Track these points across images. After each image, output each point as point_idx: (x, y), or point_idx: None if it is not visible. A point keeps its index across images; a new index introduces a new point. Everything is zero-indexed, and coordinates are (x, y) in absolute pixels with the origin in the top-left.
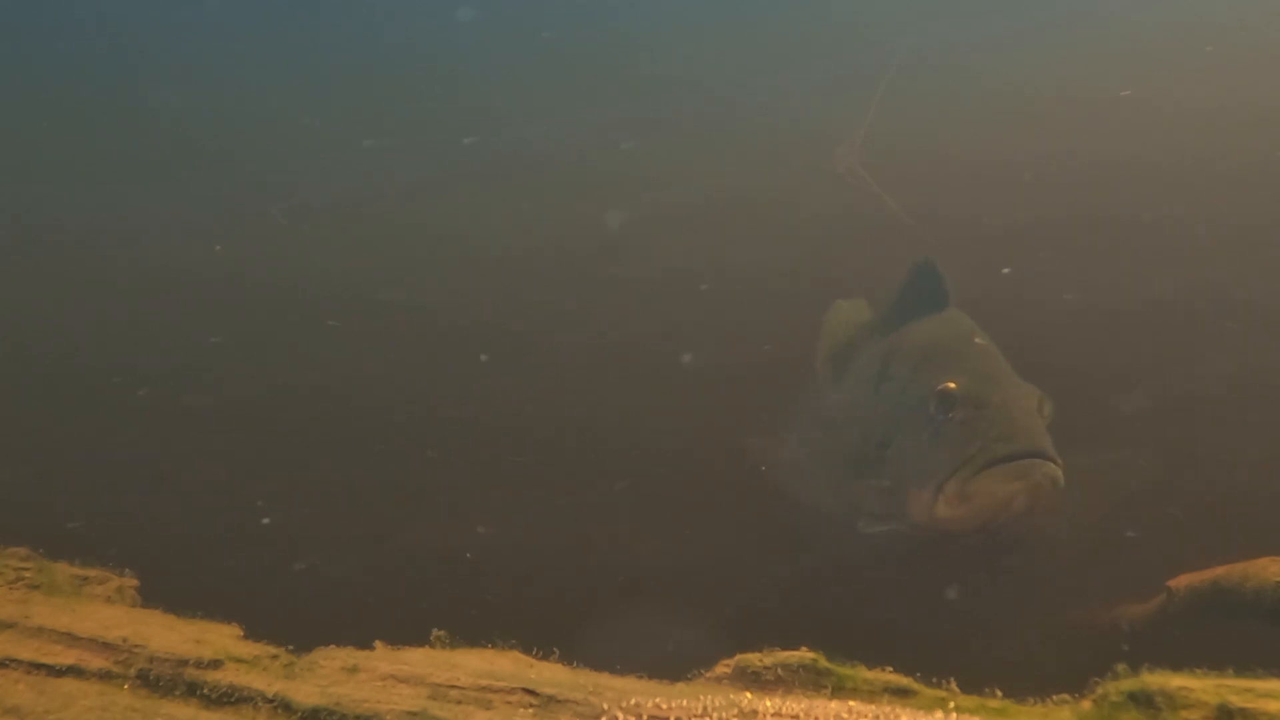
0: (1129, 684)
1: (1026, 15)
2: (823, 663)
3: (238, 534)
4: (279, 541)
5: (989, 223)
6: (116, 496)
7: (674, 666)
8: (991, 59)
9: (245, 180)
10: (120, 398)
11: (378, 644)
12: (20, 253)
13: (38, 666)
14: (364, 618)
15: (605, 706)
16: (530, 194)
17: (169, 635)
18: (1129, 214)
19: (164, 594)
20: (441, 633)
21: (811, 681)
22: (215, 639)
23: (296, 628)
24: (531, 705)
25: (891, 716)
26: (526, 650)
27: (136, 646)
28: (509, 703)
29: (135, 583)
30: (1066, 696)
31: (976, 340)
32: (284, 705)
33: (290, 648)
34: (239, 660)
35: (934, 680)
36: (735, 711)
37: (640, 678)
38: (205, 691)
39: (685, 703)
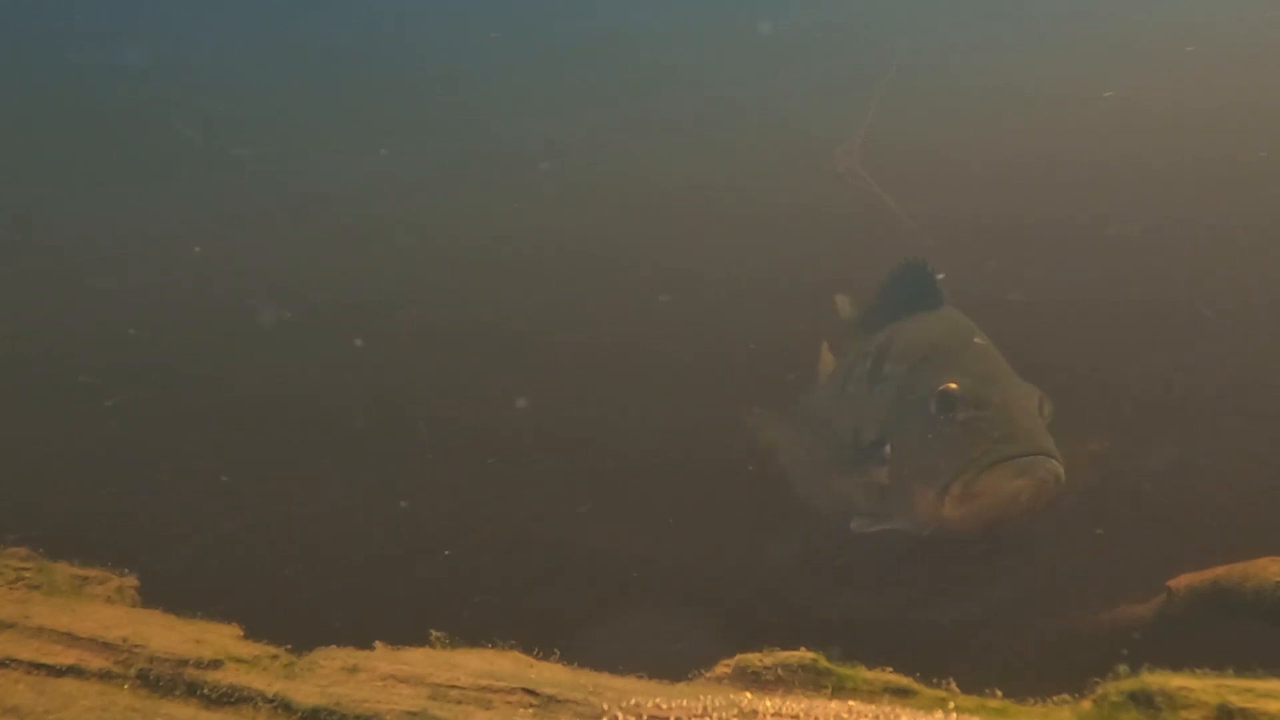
0: (1129, 684)
1: (1010, 16)
2: (823, 663)
3: (239, 534)
4: (282, 542)
5: (981, 221)
6: (117, 496)
7: (674, 666)
8: (978, 60)
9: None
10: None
11: (378, 644)
12: (19, 253)
13: (38, 666)
14: (377, 617)
15: (605, 706)
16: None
17: (169, 635)
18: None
19: (164, 594)
20: (441, 633)
21: (811, 681)
22: (215, 639)
23: (297, 628)
24: (531, 705)
25: (891, 716)
26: (526, 650)
27: (136, 646)
28: (509, 703)
29: (135, 583)
30: (1066, 696)
31: (976, 340)
32: (284, 705)
33: (290, 647)
34: (239, 660)
35: (934, 680)
36: (735, 711)
37: (640, 678)
38: (205, 691)
39: (685, 703)
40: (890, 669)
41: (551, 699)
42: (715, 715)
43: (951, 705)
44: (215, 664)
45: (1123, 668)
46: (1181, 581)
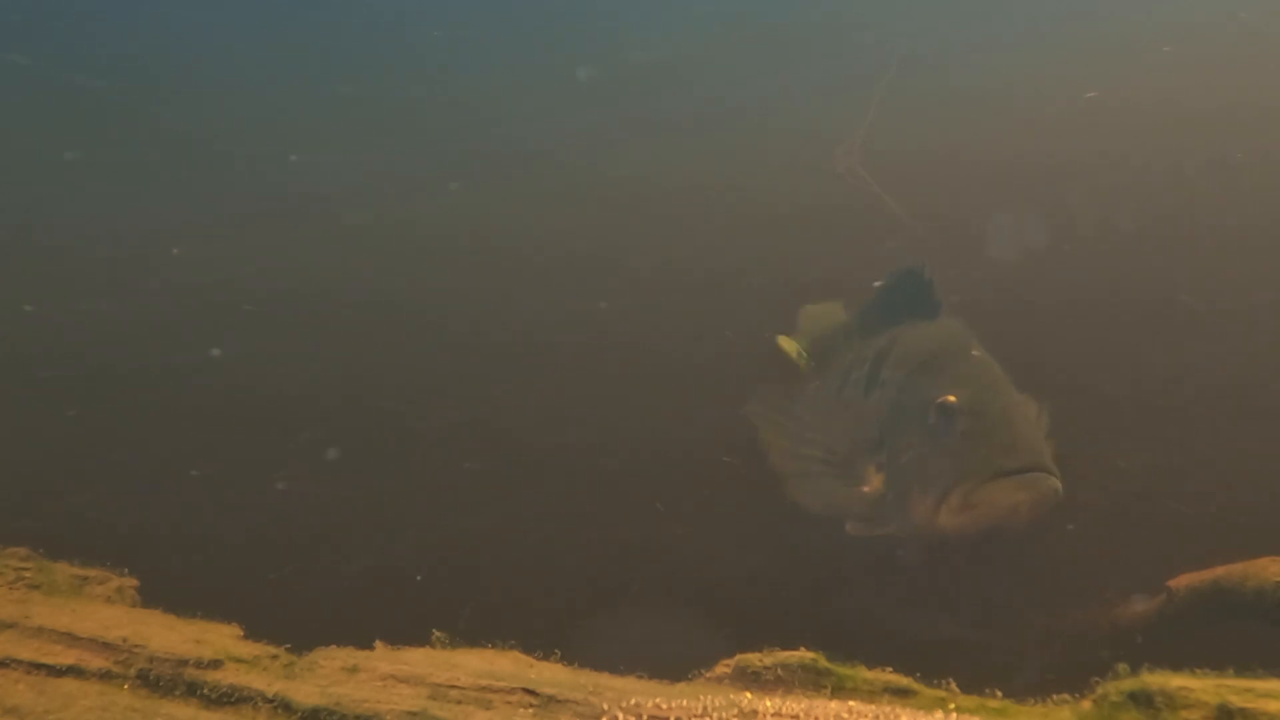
0: (1129, 684)
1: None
2: (823, 663)
3: (239, 534)
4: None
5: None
6: (117, 496)
7: (674, 666)
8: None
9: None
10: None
11: (378, 644)
12: (19, 253)
13: (38, 666)
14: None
15: (605, 706)
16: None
17: (169, 635)
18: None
19: (164, 594)
20: (442, 633)
21: (811, 681)
22: (215, 639)
23: (297, 628)
24: (531, 705)
25: (891, 716)
26: (527, 650)
27: (136, 646)
28: (509, 703)
29: (135, 583)
30: (1066, 696)
31: (974, 352)
32: (284, 705)
33: (290, 647)
34: (239, 660)
35: (934, 680)
36: (735, 711)
37: (640, 678)
38: (205, 691)
39: (685, 703)
40: (890, 669)
41: (551, 699)
42: (715, 715)
43: (951, 705)
44: (215, 664)
45: (1123, 667)
46: (1181, 581)
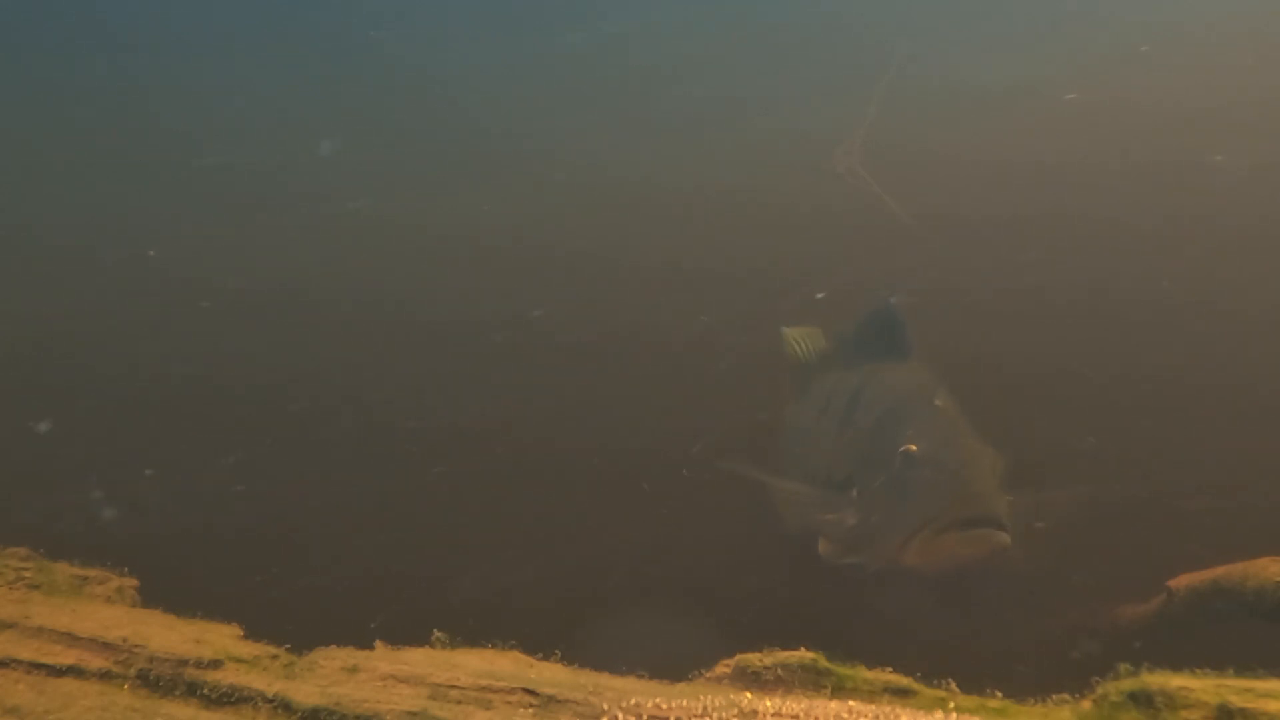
0: (1129, 684)
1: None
2: (823, 663)
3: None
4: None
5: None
6: (117, 497)
7: (674, 666)
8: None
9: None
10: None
11: (378, 644)
12: (17, 252)
13: (38, 666)
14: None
15: (605, 706)
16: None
17: (169, 635)
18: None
19: (164, 594)
20: (442, 633)
21: (811, 681)
22: (215, 639)
23: (297, 628)
24: (531, 705)
25: (891, 716)
26: (527, 650)
27: (136, 646)
28: (509, 703)
29: (135, 583)
30: (1066, 696)
31: (937, 402)
32: (284, 705)
33: (290, 647)
34: (239, 660)
35: (934, 680)
36: (735, 711)
37: (640, 678)
38: (205, 691)
39: (685, 703)
40: (890, 669)
41: (551, 699)
42: (715, 715)
43: (951, 705)
44: (215, 664)
45: (1124, 667)
46: (1181, 581)
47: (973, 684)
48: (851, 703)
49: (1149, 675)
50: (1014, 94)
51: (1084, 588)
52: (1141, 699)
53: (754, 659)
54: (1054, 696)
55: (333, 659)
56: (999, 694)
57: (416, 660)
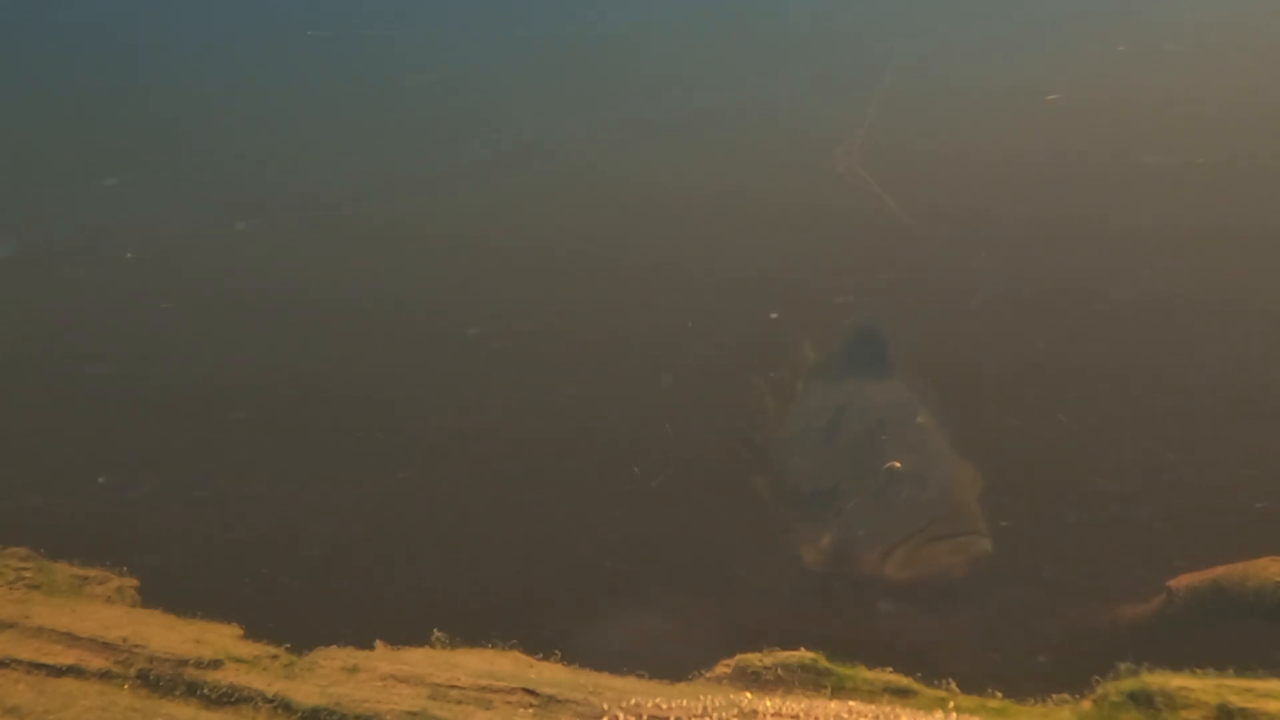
0: (1129, 684)
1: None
2: (823, 663)
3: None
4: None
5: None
6: (117, 496)
7: (674, 666)
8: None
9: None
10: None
11: (378, 644)
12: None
13: (38, 666)
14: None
15: (605, 706)
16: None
17: (169, 635)
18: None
19: (164, 594)
20: (442, 633)
21: (811, 681)
22: (215, 639)
23: (297, 628)
24: (531, 705)
25: (891, 716)
26: (527, 650)
27: (136, 646)
28: (509, 703)
29: (135, 583)
30: (1066, 696)
31: (919, 420)
32: (284, 705)
33: (290, 647)
34: (239, 660)
35: (934, 680)
36: (735, 711)
37: (640, 678)
38: (205, 691)
39: (685, 703)
40: (890, 669)
41: (551, 699)
42: (715, 715)
43: (951, 705)
44: (215, 664)
45: (1124, 667)
46: (1181, 581)
47: (973, 684)
48: (851, 703)
49: (1149, 675)
50: (1014, 94)
51: (1084, 588)
52: (1141, 699)
53: (754, 659)
54: (1054, 696)
55: (333, 659)
56: (999, 694)
57: (416, 660)
